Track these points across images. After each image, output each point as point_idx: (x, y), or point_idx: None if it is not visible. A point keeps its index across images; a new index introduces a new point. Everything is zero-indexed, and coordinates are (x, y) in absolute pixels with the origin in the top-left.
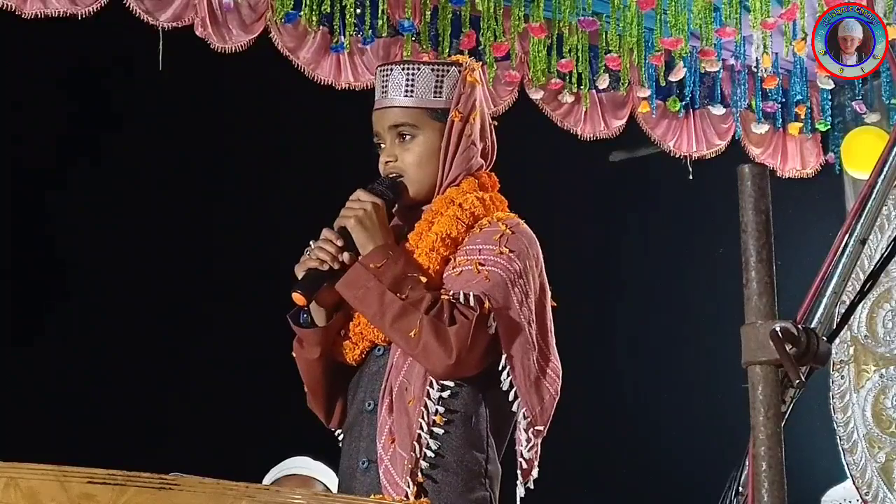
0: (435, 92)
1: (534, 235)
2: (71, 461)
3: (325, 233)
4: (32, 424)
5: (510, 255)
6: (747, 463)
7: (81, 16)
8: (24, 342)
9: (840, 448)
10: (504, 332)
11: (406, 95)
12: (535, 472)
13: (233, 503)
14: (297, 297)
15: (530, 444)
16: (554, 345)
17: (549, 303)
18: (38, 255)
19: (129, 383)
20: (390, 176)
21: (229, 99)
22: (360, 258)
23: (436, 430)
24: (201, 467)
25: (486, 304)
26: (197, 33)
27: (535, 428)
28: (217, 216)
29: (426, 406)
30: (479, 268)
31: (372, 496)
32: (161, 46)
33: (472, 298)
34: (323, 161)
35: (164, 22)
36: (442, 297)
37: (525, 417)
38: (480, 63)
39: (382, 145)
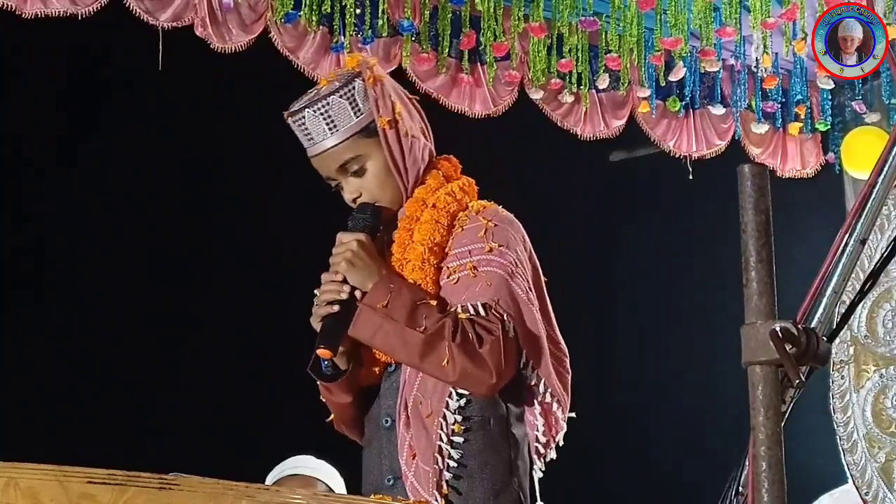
0: (354, 113)
1: (513, 218)
2: (71, 461)
3: (324, 276)
4: (32, 424)
5: (500, 248)
6: (747, 463)
7: (81, 16)
8: (25, 342)
9: (840, 448)
10: (521, 330)
11: (332, 133)
12: (552, 454)
13: (233, 503)
14: (323, 353)
15: (561, 428)
16: (555, 321)
17: (543, 280)
18: (38, 254)
19: (129, 383)
20: (366, 203)
21: (229, 99)
22: (363, 300)
23: (456, 439)
24: (201, 467)
25: (496, 310)
26: (197, 33)
27: (567, 414)
28: (217, 215)
29: (445, 417)
30: (475, 272)
31: (371, 496)
32: (161, 46)
33: (481, 308)
34: None
35: (164, 22)
36: (460, 315)
37: (559, 404)
38: (371, 57)
39: (339, 185)
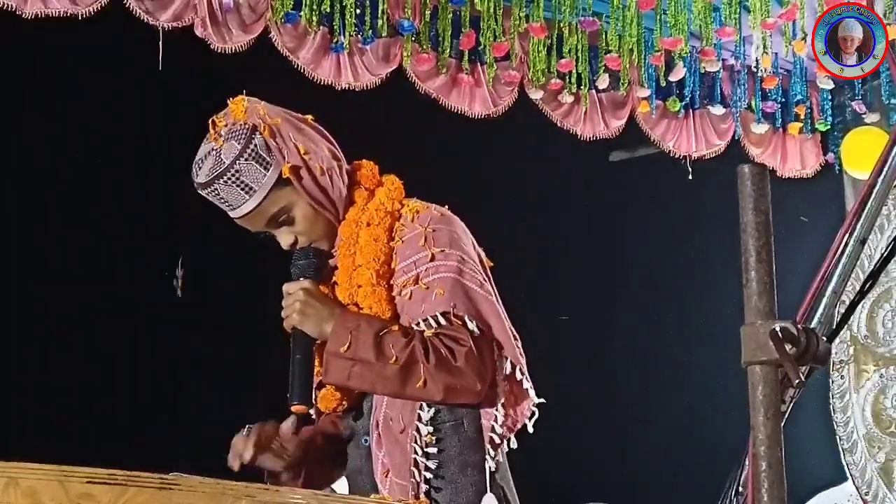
0: (265, 168)
1: (449, 214)
2: (71, 461)
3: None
4: (32, 424)
5: (442, 252)
6: (747, 463)
7: (81, 16)
8: (25, 341)
9: (840, 448)
10: (484, 325)
11: (250, 196)
12: (514, 442)
13: (233, 503)
14: (299, 409)
15: (532, 412)
16: (502, 306)
17: (487, 263)
18: (36, 253)
19: (129, 383)
20: (302, 248)
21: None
22: (326, 347)
23: (430, 450)
24: (201, 467)
25: (456, 315)
26: (197, 33)
27: (536, 399)
28: (217, 215)
29: (418, 430)
30: (425, 283)
31: (372, 496)
32: (161, 46)
33: (441, 318)
34: None
35: (164, 22)
36: (425, 334)
37: (533, 386)
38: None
39: (270, 234)
